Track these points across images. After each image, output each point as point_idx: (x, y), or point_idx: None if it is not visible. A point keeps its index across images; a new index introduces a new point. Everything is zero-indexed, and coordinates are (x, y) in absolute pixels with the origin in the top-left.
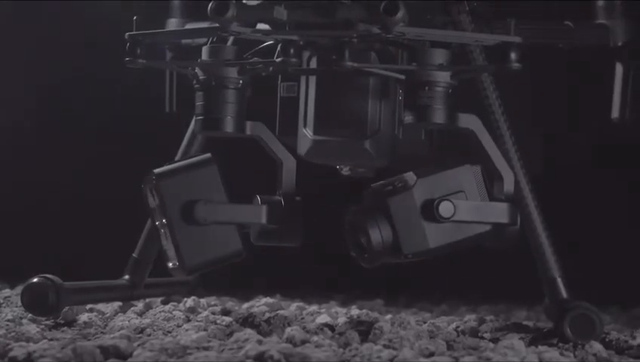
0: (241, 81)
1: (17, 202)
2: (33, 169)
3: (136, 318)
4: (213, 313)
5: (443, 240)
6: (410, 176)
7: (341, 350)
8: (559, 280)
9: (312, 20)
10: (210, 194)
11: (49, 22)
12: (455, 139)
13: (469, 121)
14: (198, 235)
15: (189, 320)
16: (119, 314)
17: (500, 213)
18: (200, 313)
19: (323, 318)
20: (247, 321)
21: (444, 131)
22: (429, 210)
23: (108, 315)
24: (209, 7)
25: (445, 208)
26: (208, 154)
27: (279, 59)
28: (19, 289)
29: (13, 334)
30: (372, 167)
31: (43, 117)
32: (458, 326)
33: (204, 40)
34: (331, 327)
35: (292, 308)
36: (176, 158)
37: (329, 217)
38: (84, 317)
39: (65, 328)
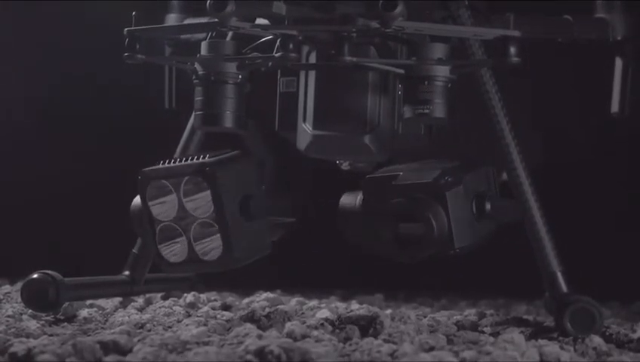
0: (240, 76)
1: (17, 198)
2: (33, 165)
3: (137, 314)
4: (214, 308)
5: (477, 237)
6: (455, 170)
7: (341, 344)
8: (559, 274)
9: (311, 15)
10: (254, 189)
11: (48, 21)
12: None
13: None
14: (244, 229)
15: (189, 316)
16: (119, 309)
17: (515, 210)
18: (200, 308)
19: (323, 313)
20: (248, 316)
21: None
22: (479, 206)
23: (108, 311)
24: (208, 2)
25: (492, 205)
26: (241, 150)
27: (278, 54)
28: (19, 285)
29: (13, 330)
30: (372, 161)
31: (42, 115)
32: (458, 321)
33: (203, 35)
34: (331, 322)
35: (292, 302)
36: (176, 154)
37: (328, 212)
38: (84, 313)
39: (65, 324)
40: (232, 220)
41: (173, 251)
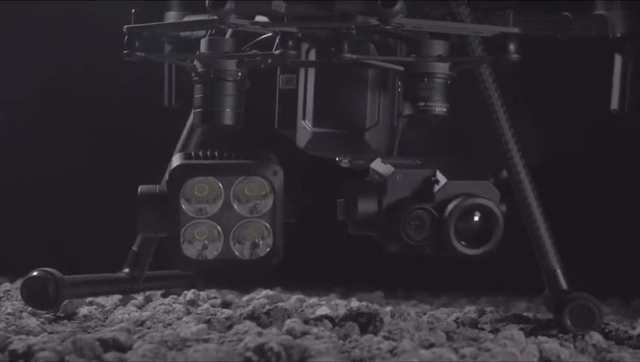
0: (239, 74)
1: (17, 196)
2: (33, 163)
3: (136, 311)
4: (213, 305)
5: None
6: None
7: (341, 341)
8: (559, 271)
9: (310, 12)
10: (289, 191)
11: (48, 19)
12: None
13: None
14: (282, 229)
15: (189, 313)
16: (119, 307)
17: None
18: (200, 306)
19: (323, 310)
20: (247, 314)
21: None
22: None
23: (108, 308)
24: (207, 0)
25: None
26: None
27: (278, 52)
28: (19, 282)
29: (13, 327)
30: (371, 159)
31: (41, 111)
32: (458, 318)
33: (202, 33)
34: (331, 319)
35: (292, 300)
36: (175, 151)
37: (329, 209)
38: (84, 311)
39: (65, 321)
40: (281, 222)
41: (201, 249)
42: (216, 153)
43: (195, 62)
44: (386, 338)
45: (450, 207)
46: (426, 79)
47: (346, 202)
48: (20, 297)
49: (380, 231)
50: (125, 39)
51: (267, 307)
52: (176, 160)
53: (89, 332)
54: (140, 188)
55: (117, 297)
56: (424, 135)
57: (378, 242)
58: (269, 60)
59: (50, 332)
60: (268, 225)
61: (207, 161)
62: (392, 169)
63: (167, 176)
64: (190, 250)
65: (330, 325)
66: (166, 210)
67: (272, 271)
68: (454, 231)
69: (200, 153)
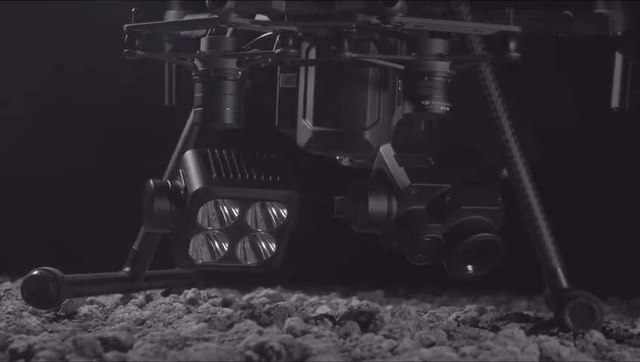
0: (239, 73)
1: (18, 195)
2: (33, 162)
3: (137, 310)
4: (214, 304)
5: None
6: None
7: (341, 340)
8: (559, 269)
9: (310, 11)
10: None
11: (48, 17)
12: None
13: None
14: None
15: (189, 312)
16: (120, 306)
17: None
18: (200, 304)
19: (323, 309)
20: (248, 312)
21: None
22: None
23: (108, 307)
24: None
25: None
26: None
27: (278, 51)
28: (19, 281)
29: (13, 326)
30: (372, 157)
31: (41, 111)
32: (458, 317)
33: (203, 31)
34: (332, 318)
35: (292, 299)
36: (176, 150)
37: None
38: (84, 310)
39: (65, 320)
40: (288, 237)
41: (205, 253)
42: (235, 163)
43: (196, 61)
44: (386, 336)
45: (459, 241)
46: (426, 78)
47: (356, 200)
48: (20, 296)
49: (387, 234)
50: (125, 38)
51: (268, 306)
52: (196, 176)
53: (89, 332)
54: (152, 182)
55: (117, 296)
56: (424, 134)
57: (382, 241)
58: (270, 59)
59: (51, 332)
60: (275, 239)
61: (229, 185)
62: (408, 182)
63: (174, 173)
64: (194, 253)
65: (330, 324)
66: (178, 207)
67: (271, 273)
68: (460, 259)
69: (217, 153)
